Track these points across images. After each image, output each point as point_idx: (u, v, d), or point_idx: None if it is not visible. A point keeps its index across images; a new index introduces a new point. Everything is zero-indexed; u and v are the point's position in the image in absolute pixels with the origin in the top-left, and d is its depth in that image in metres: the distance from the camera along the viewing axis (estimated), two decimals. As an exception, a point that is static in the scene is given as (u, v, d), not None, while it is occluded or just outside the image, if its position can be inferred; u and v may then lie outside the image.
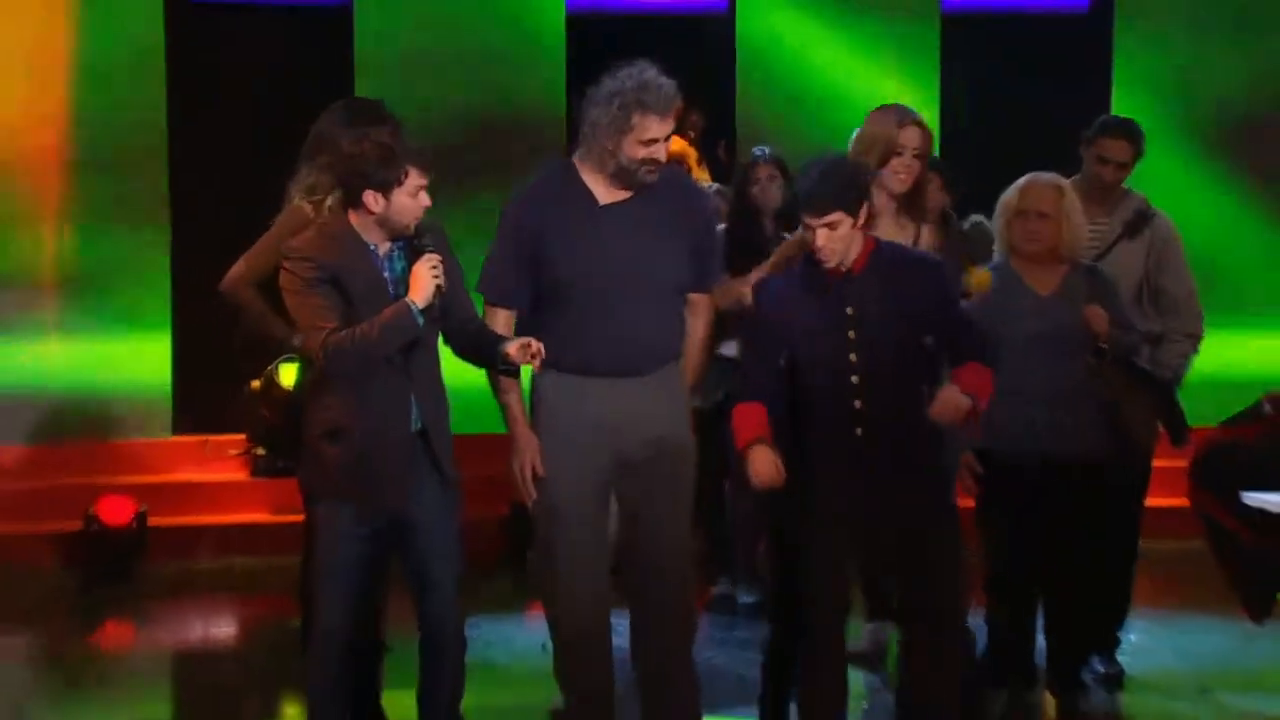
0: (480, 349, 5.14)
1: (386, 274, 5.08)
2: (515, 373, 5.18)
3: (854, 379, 5.14)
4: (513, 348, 4.99)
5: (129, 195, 9.73)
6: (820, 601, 5.23)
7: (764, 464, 5.05)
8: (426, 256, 4.99)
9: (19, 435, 9.66)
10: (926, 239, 5.77)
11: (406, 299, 4.97)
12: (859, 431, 5.14)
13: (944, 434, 5.31)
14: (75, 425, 9.74)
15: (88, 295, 9.75)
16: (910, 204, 5.76)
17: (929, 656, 5.29)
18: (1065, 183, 6.13)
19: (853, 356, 5.15)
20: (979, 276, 5.60)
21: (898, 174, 5.69)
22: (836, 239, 5.10)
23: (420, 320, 4.96)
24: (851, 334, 5.16)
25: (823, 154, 5.30)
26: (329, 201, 5.58)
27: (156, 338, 9.76)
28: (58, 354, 9.72)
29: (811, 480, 5.18)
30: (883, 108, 5.94)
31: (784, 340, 5.20)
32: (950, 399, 5.09)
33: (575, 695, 5.38)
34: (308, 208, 5.68)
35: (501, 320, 5.22)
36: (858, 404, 5.13)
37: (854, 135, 6.56)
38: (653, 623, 5.34)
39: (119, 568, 8.88)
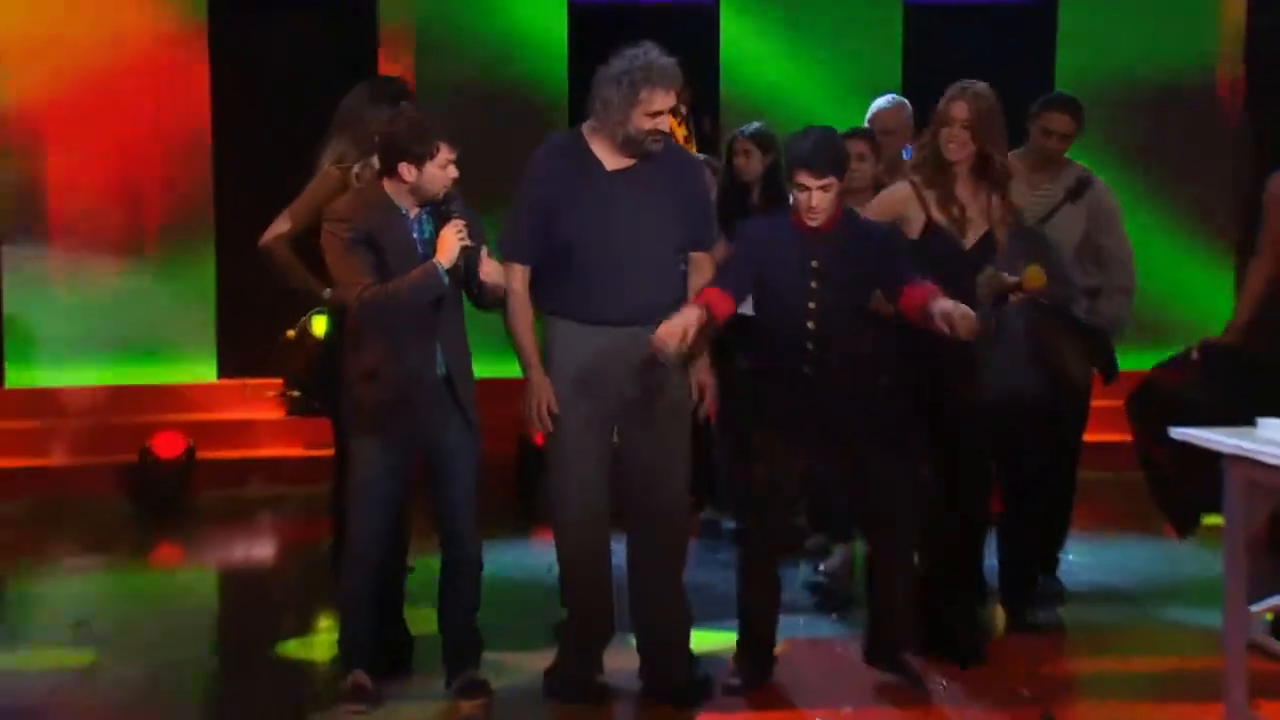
0: (497, 302, 5.22)
1: (416, 235, 5.14)
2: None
3: (810, 325, 5.27)
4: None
5: (177, 163, 9.70)
6: (763, 517, 5.39)
7: (687, 314, 5.05)
8: (453, 221, 5.04)
9: (81, 378, 9.68)
10: (997, 207, 5.73)
11: (434, 259, 5.02)
12: (807, 370, 5.28)
13: (894, 375, 5.42)
14: (130, 369, 9.76)
15: (140, 256, 9.73)
16: (980, 172, 5.69)
17: (880, 564, 5.48)
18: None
19: (811, 304, 5.27)
20: (1033, 274, 5.51)
21: (948, 143, 5.68)
22: (828, 200, 5.23)
23: (445, 279, 5.03)
24: (813, 284, 5.27)
25: (810, 126, 5.39)
26: (356, 169, 5.61)
27: (202, 293, 9.74)
28: (116, 307, 9.72)
29: (764, 415, 5.33)
30: (954, 84, 5.87)
31: (754, 272, 5.30)
32: (951, 310, 5.09)
33: (577, 610, 5.42)
34: (335, 174, 5.73)
35: (517, 274, 5.24)
36: (810, 346, 5.26)
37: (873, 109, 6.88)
38: (648, 547, 5.36)
39: (171, 496, 8.92)
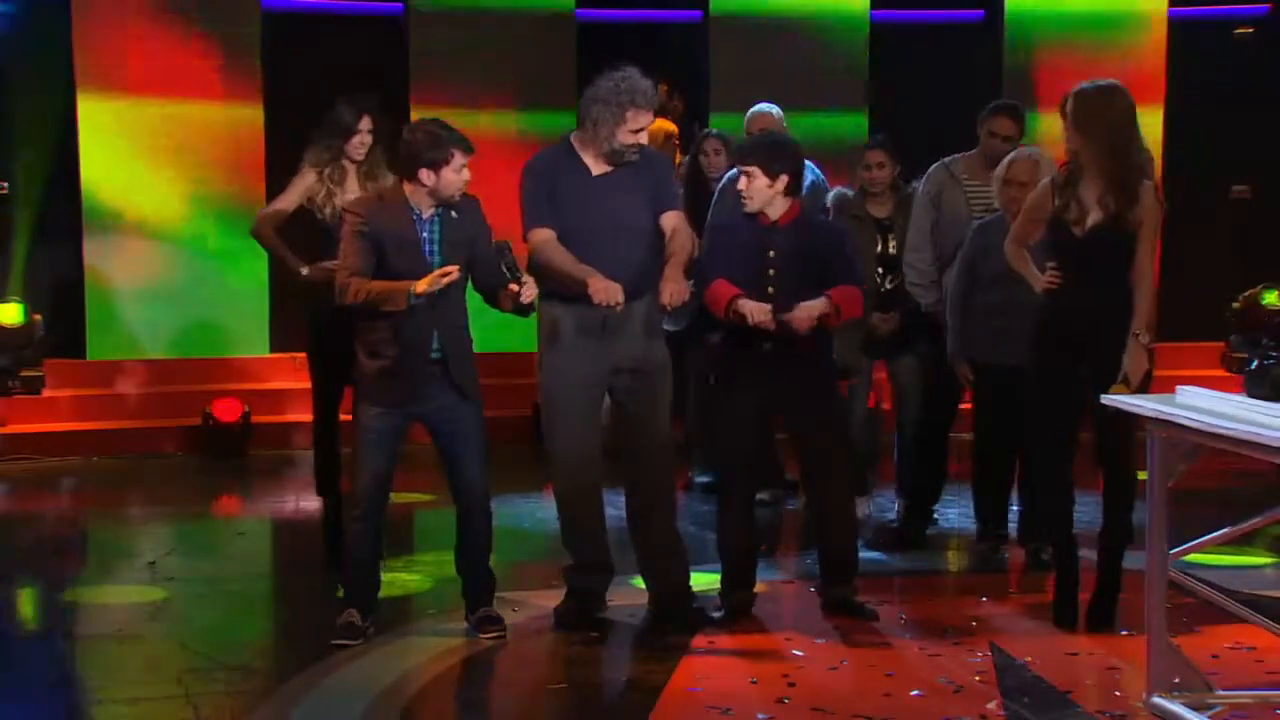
0: (497, 295, 5.21)
1: (425, 234, 5.11)
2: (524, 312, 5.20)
3: (768, 306, 5.28)
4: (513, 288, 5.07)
5: (234, 166, 9.71)
6: (734, 458, 5.49)
7: (755, 307, 5.18)
8: (450, 270, 4.96)
9: (152, 351, 9.71)
10: (1112, 199, 5.25)
11: (410, 285, 4.97)
12: (768, 346, 5.32)
13: (828, 342, 5.52)
14: (194, 344, 9.79)
15: (203, 246, 9.75)
16: (1104, 166, 5.22)
17: (828, 512, 5.56)
18: (1040, 156, 6.03)
19: (770, 289, 5.32)
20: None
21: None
22: (752, 188, 5.33)
23: (412, 303, 4.97)
24: (771, 271, 5.34)
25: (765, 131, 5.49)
26: (327, 170, 5.86)
27: (256, 276, 9.74)
28: (182, 289, 9.74)
29: (731, 380, 5.43)
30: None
31: (728, 261, 5.38)
32: (808, 307, 5.22)
33: (576, 552, 5.44)
34: (312, 175, 5.92)
35: (546, 235, 5.24)
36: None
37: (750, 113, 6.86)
38: (641, 486, 5.42)
39: (229, 454, 8.96)
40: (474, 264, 5.17)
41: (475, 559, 5.32)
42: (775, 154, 5.36)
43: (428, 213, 5.12)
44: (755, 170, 5.32)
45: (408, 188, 5.11)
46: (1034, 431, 5.45)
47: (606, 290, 5.05)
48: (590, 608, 5.45)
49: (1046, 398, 5.33)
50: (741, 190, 5.35)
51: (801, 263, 5.35)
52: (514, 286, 5.06)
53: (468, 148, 5.08)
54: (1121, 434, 5.19)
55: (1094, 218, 5.22)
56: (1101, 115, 5.21)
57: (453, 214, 5.12)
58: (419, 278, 5.02)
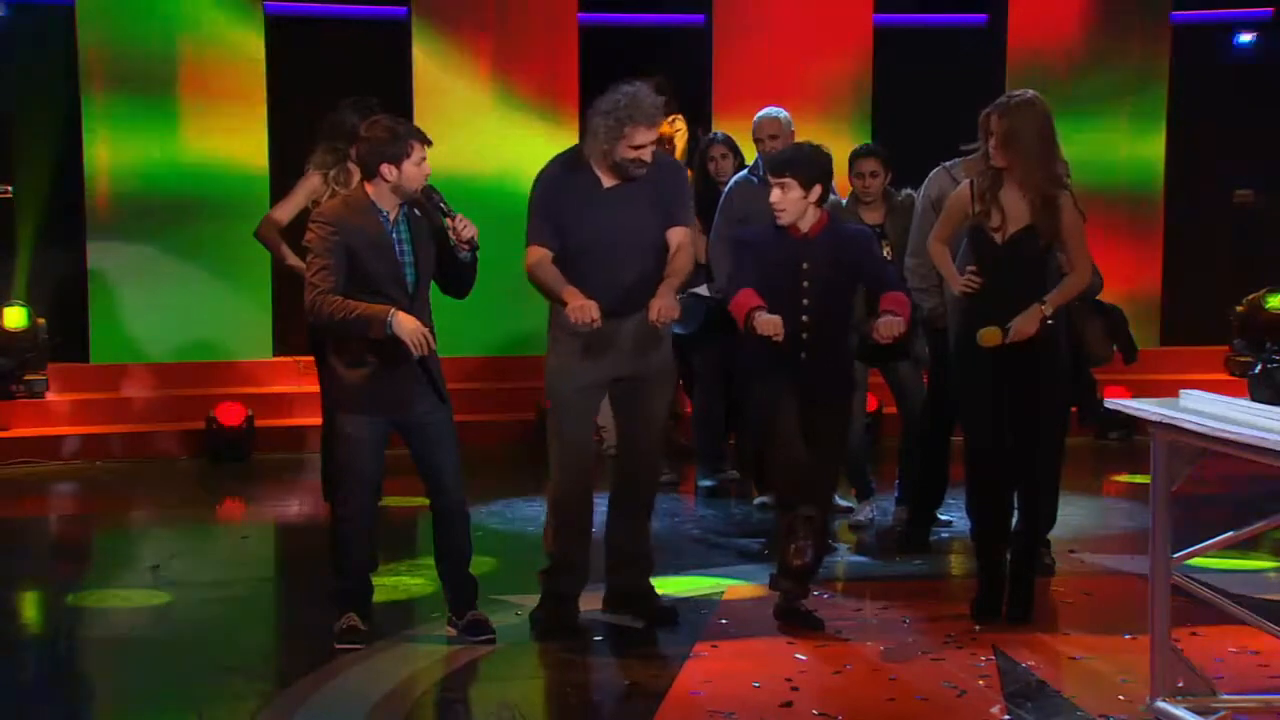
0: (453, 278, 5.22)
1: (394, 235, 5.07)
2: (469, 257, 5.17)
3: (805, 318, 5.28)
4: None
5: (234, 162, 9.72)
6: (792, 471, 5.38)
7: (769, 322, 5.11)
8: (427, 336, 4.95)
9: (156, 356, 9.71)
10: (1034, 210, 5.37)
11: (391, 319, 4.91)
12: (804, 356, 5.29)
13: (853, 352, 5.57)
14: (198, 348, 9.79)
15: (205, 249, 9.76)
16: (1027, 177, 5.39)
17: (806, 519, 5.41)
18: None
19: (805, 301, 5.29)
20: (989, 334, 5.33)
21: (990, 151, 5.52)
22: (786, 200, 5.25)
23: (389, 334, 4.92)
24: (805, 284, 5.30)
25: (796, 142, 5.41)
26: (333, 173, 5.87)
27: (259, 280, 9.75)
28: (185, 293, 9.75)
29: (765, 383, 5.35)
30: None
31: (755, 271, 5.31)
32: (890, 323, 5.19)
33: (557, 554, 5.44)
34: (317, 178, 5.99)
35: (540, 255, 5.26)
36: (805, 336, 5.27)
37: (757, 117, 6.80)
38: (638, 480, 5.48)
39: (233, 458, 8.97)
40: (441, 259, 5.15)
41: (458, 562, 5.29)
42: (810, 165, 5.30)
43: (394, 213, 5.08)
44: (791, 182, 5.25)
45: (370, 189, 5.06)
46: (965, 433, 5.57)
47: (582, 310, 5.08)
48: (567, 612, 5.43)
49: (969, 400, 5.47)
50: (775, 203, 5.27)
51: (834, 272, 5.32)
52: (450, 222, 5.06)
53: (425, 140, 5.07)
54: (1045, 436, 5.45)
55: (1014, 227, 5.37)
56: (1025, 129, 5.33)
57: (415, 212, 5.11)
58: (393, 279, 5.03)
